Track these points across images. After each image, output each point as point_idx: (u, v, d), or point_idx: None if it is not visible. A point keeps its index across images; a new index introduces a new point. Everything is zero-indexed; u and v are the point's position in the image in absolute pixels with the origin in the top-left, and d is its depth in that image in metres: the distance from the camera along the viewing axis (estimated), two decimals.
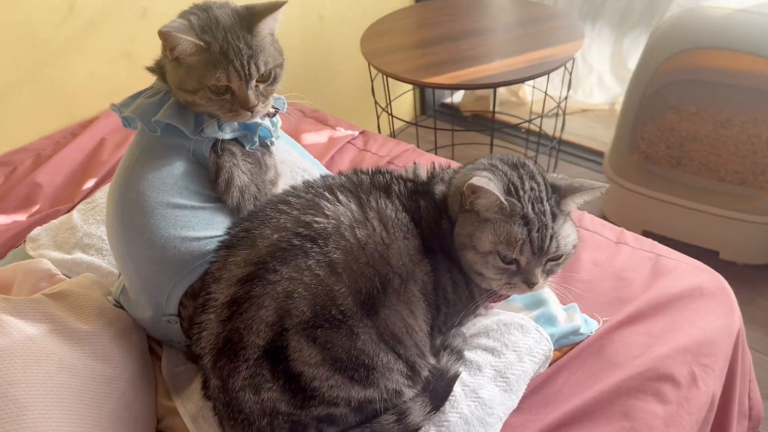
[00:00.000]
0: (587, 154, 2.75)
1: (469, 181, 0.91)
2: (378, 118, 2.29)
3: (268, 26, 1.01)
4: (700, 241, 2.23)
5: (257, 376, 0.88)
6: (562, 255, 0.97)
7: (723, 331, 1.17)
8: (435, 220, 0.99)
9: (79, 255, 1.31)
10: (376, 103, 2.22)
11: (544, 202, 0.94)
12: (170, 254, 1.01)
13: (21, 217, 1.60)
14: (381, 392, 0.92)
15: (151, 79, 1.09)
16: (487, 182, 0.91)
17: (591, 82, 2.96)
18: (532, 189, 0.95)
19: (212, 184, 1.05)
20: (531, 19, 2.24)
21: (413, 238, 0.96)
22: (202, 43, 0.95)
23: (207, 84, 0.98)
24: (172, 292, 1.02)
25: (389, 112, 2.19)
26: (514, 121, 2.79)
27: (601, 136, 2.78)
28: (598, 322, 1.18)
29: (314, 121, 1.86)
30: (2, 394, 0.86)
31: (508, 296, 1.04)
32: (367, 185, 0.99)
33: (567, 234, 0.96)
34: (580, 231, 1.38)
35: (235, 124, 1.05)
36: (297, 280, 0.87)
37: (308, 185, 0.99)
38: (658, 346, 1.12)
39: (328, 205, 0.94)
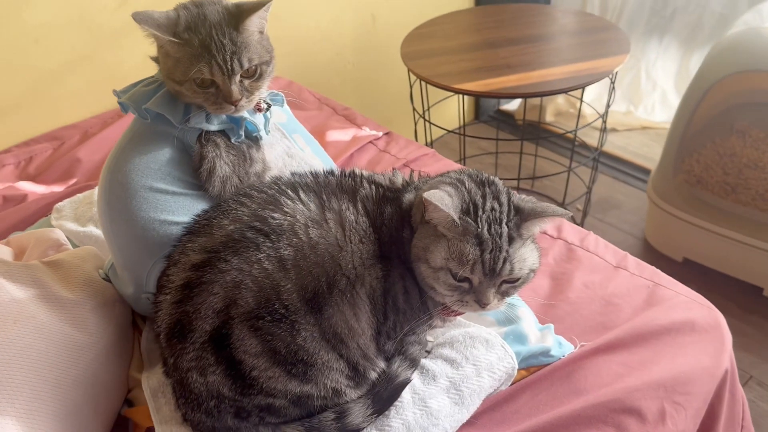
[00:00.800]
0: (638, 173, 2.65)
1: (424, 195, 0.90)
2: (416, 123, 2.28)
3: (255, 24, 1.04)
4: (744, 276, 2.10)
5: (203, 359, 0.92)
6: (519, 278, 0.94)
7: (706, 371, 1.10)
8: (397, 227, 0.98)
9: (90, 228, 1.39)
10: (414, 109, 2.21)
11: (503, 224, 0.92)
12: (150, 235, 1.06)
13: (59, 188, 1.71)
14: (320, 389, 0.94)
15: None
16: (441, 198, 0.89)
17: (653, 99, 2.84)
18: (492, 209, 0.93)
19: (195, 173, 1.09)
20: (580, 30, 2.18)
21: (369, 243, 0.96)
22: (171, 38, 1.00)
23: (191, 76, 1.02)
24: (151, 272, 1.08)
25: (426, 118, 2.18)
26: (558, 131, 2.73)
27: (657, 156, 2.67)
28: (575, 346, 1.15)
29: (343, 119, 1.89)
30: None
31: (462, 312, 1.03)
32: (333, 187, 1.00)
33: (524, 258, 0.93)
34: (580, 251, 1.35)
35: (223, 116, 1.09)
36: (246, 271, 0.90)
37: (274, 181, 1.01)
38: (630, 378, 1.08)
39: (288, 202, 0.95)
